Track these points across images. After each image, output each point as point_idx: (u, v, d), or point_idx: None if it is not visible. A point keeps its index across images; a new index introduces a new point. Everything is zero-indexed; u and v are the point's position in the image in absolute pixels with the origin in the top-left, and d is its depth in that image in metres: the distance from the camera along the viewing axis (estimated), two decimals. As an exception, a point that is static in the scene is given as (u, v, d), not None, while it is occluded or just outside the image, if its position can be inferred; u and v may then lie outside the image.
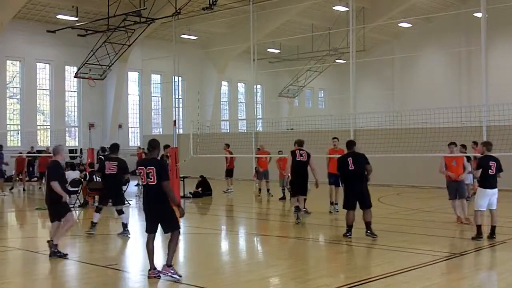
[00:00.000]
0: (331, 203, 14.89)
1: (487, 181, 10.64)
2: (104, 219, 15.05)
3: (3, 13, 27.02)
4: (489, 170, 10.62)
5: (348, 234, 11.03)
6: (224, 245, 11.67)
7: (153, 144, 8.02)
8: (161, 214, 7.86)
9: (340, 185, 14.87)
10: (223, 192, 21.10)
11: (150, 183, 7.79)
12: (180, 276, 7.82)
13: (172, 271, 7.80)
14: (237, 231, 13.67)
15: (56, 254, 9.36)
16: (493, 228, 10.72)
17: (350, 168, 11.00)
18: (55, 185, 9.40)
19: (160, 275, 7.83)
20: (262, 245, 11.49)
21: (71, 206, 16.04)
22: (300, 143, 13.33)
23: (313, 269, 8.79)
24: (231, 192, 21.20)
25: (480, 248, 10.17)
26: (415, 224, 13.19)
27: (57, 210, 9.57)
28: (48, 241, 9.56)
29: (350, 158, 11.07)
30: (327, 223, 13.84)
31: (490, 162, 10.67)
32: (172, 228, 7.89)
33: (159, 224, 7.96)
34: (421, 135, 18.83)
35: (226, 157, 21.59)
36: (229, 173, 21.66)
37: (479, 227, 10.72)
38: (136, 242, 11.22)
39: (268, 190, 19.81)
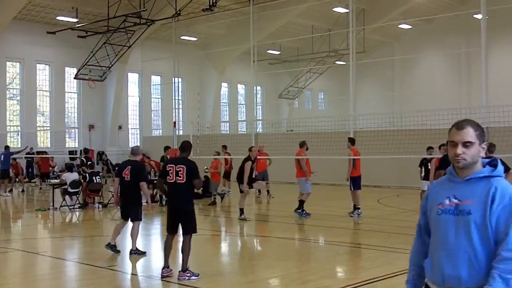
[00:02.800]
0: (358, 208, 14.64)
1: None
2: (103, 220, 15.07)
3: (3, 14, 27.04)
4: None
5: None
6: (224, 247, 11.67)
7: (184, 145, 8.24)
8: (183, 213, 7.92)
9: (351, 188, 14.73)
10: (218, 193, 20.90)
11: (178, 181, 7.86)
12: (198, 275, 7.81)
13: (188, 275, 7.77)
14: (237, 232, 13.66)
15: (137, 252, 9.50)
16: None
17: None
18: (144, 186, 9.55)
19: (179, 279, 7.76)
20: (262, 246, 11.48)
21: (71, 207, 16.19)
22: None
23: (313, 270, 8.78)
24: (229, 194, 21.05)
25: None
26: (415, 226, 13.17)
27: (133, 210, 9.57)
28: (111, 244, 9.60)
29: None
30: (328, 225, 13.84)
31: (492, 162, 10.66)
32: (190, 230, 7.92)
33: (179, 224, 7.97)
34: (421, 136, 18.77)
35: (226, 159, 21.49)
36: (227, 175, 21.49)
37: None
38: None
39: (268, 191, 19.77)
